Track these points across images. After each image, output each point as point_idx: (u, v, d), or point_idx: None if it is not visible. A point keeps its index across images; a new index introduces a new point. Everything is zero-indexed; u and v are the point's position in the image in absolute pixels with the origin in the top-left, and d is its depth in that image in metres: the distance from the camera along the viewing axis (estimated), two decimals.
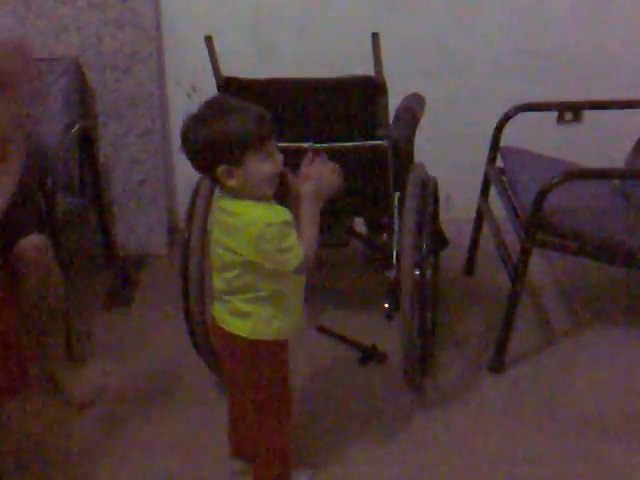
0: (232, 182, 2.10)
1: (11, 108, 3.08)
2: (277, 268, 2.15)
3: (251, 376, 2.34)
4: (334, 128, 2.84)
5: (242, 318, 2.25)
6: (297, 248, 2.12)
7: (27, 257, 2.88)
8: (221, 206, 2.18)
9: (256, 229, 2.09)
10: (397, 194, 2.95)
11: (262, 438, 2.43)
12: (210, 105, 2.14)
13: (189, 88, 4.01)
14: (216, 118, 2.08)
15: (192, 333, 2.88)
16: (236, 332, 2.26)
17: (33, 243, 2.89)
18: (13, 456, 2.76)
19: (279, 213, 2.12)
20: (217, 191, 2.23)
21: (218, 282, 2.25)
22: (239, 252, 2.14)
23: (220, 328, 2.29)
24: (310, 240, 2.19)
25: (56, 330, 3.02)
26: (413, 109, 3.09)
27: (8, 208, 2.98)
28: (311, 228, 2.22)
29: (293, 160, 2.91)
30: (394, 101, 3.09)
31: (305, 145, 2.83)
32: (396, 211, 2.95)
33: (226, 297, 2.24)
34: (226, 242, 2.17)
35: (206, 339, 2.84)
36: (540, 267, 3.76)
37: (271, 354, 2.30)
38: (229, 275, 2.20)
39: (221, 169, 2.08)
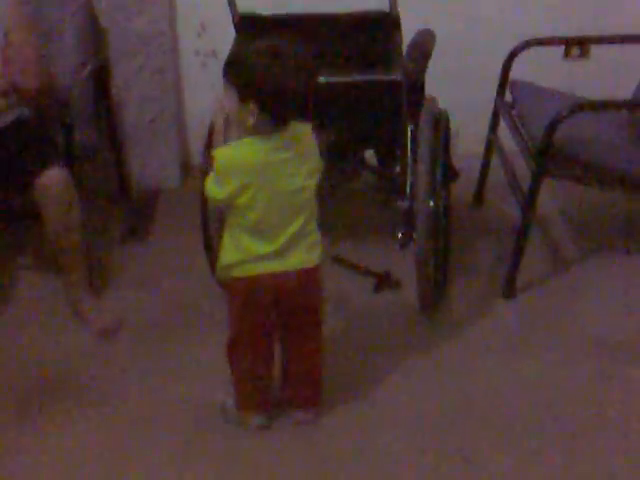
0: None
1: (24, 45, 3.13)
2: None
3: (319, 302, 2.50)
4: (348, 62, 2.89)
5: (316, 247, 2.38)
6: None
7: (49, 190, 2.94)
8: (286, 141, 2.22)
9: (315, 140, 2.30)
10: (410, 127, 3.01)
11: (318, 359, 2.58)
12: (281, 50, 2.15)
13: (199, 27, 4.03)
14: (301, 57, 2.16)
15: (211, 262, 2.96)
16: (314, 264, 2.38)
17: (55, 176, 2.96)
18: (37, 382, 2.85)
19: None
20: (263, 147, 2.21)
21: (291, 229, 2.29)
22: (319, 166, 2.31)
23: (292, 274, 2.34)
24: None
25: (77, 262, 3.10)
26: (424, 44, 3.13)
27: (27, 142, 3.05)
28: None
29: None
30: (406, 37, 3.15)
31: (320, 79, 2.90)
32: (409, 143, 3.01)
33: (304, 234, 2.33)
34: (308, 168, 2.28)
35: None
36: (547, 199, 3.83)
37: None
38: (311, 204, 2.32)
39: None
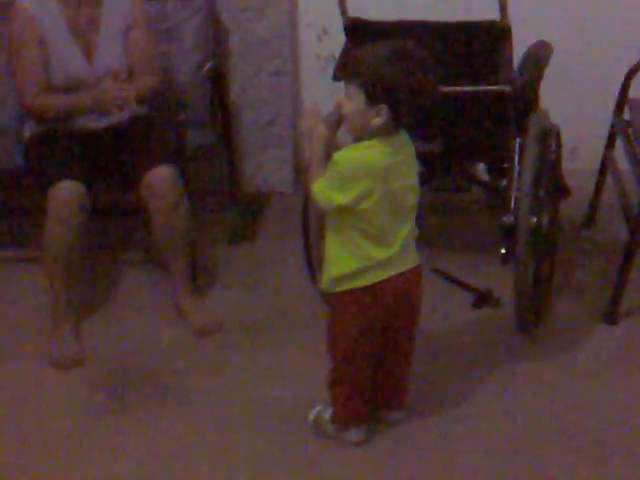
0: None
1: (145, 39, 3.20)
2: None
3: (421, 300, 2.48)
4: (458, 72, 2.86)
5: (415, 245, 2.40)
6: None
7: (157, 187, 2.99)
8: (400, 144, 2.24)
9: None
10: (518, 140, 2.95)
11: (410, 360, 2.57)
12: (414, 53, 2.17)
13: (320, 30, 4.04)
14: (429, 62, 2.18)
15: (311, 268, 2.96)
16: (419, 262, 2.41)
17: (163, 173, 3.00)
18: (128, 374, 2.91)
19: None
20: (386, 150, 2.20)
21: (404, 230, 2.30)
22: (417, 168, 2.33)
23: (408, 274, 2.35)
24: None
25: (181, 260, 3.14)
26: (538, 56, 3.07)
27: (139, 140, 3.11)
28: None
29: None
30: (521, 48, 3.10)
31: None
32: (516, 157, 2.95)
33: (412, 234, 2.36)
34: (415, 169, 2.32)
35: None
36: None
37: None
38: (416, 203, 2.33)
39: None
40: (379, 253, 2.28)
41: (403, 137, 2.26)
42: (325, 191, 2.22)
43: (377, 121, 2.14)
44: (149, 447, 2.58)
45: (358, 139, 2.22)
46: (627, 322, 3.08)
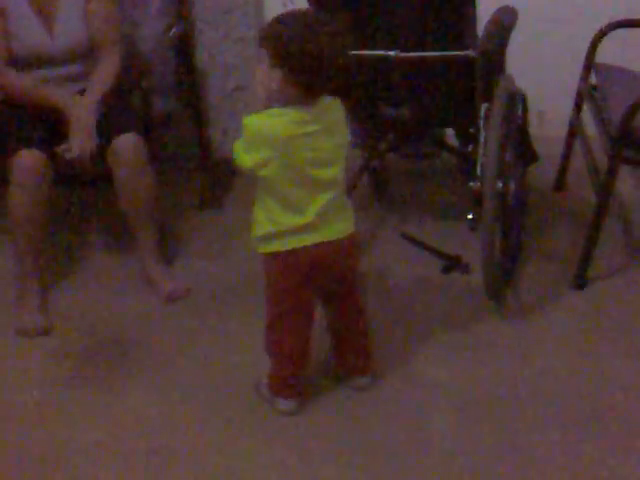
0: None
1: (105, 9, 3.16)
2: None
3: (355, 269, 2.49)
4: (422, 38, 2.84)
5: (349, 215, 2.39)
6: None
7: (121, 154, 2.98)
8: (314, 115, 2.19)
9: (343, 114, 2.30)
10: (485, 105, 2.94)
11: (364, 325, 2.59)
12: (316, 20, 2.14)
13: None
14: (335, 28, 2.13)
15: None
16: (351, 231, 2.39)
17: (128, 141, 2.99)
18: (101, 343, 2.91)
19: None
20: (291, 119, 2.17)
21: (321, 201, 2.27)
22: (346, 141, 2.30)
23: (329, 244, 2.33)
24: None
25: (148, 227, 3.13)
26: (503, 21, 3.05)
27: (105, 105, 3.08)
28: None
29: (382, 68, 2.95)
30: (486, 13, 3.08)
31: (391, 53, 2.86)
32: (482, 122, 2.94)
33: (337, 205, 2.32)
34: (335, 142, 2.25)
35: None
36: (629, 186, 3.73)
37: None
38: (340, 177, 2.30)
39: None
40: (290, 220, 2.28)
41: (324, 107, 2.22)
42: (238, 152, 2.25)
43: (274, 86, 2.14)
44: (117, 417, 2.57)
45: (267, 104, 2.20)
46: (595, 287, 3.08)
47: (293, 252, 2.32)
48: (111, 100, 3.14)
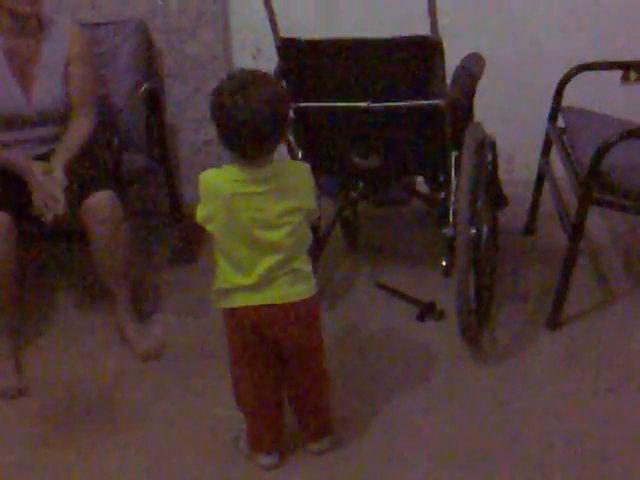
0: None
1: (85, 72, 3.17)
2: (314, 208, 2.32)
3: (315, 335, 2.44)
4: (391, 88, 2.87)
5: (306, 279, 2.33)
6: None
7: (96, 212, 2.97)
8: (262, 177, 2.20)
9: (308, 179, 2.26)
10: (455, 153, 2.97)
11: (322, 390, 2.52)
12: (245, 81, 2.14)
13: (254, 50, 4.05)
14: (269, 88, 2.14)
15: None
16: (304, 297, 2.33)
17: (102, 199, 2.98)
18: (76, 401, 2.88)
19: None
20: (235, 177, 2.20)
21: (265, 263, 2.25)
22: (304, 206, 2.25)
23: (274, 308, 2.29)
24: None
25: (122, 285, 3.11)
26: (471, 69, 3.10)
27: (76, 164, 3.08)
28: None
29: (352, 118, 2.97)
30: (454, 60, 3.12)
31: (362, 104, 2.88)
32: (453, 170, 2.97)
33: (285, 269, 2.27)
34: (285, 206, 2.22)
35: None
36: (600, 227, 3.76)
37: (318, 305, 2.42)
38: (289, 241, 2.25)
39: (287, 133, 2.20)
40: (235, 279, 2.28)
41: (278, 169, 2.22)
42: (199, 205, 2.29)
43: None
44: (97, 476, 2.54)
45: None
46: (570, 328, 3.10)
47: (238, 310, 2.32)
48: (82, 158, 3.14)
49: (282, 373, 2.48)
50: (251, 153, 2.17)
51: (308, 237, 2.33)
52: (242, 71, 2.20)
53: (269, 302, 2.28)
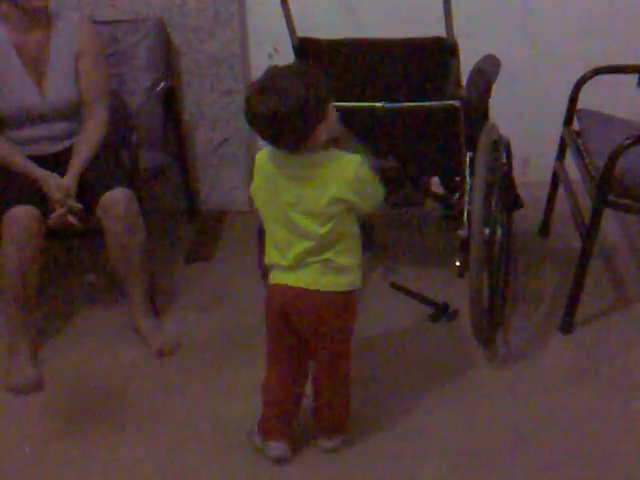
0: (322, 137, 2.21)
1: (95, 66, 3.19)
2: (368, 206, 2.33)
3: (340, 331, 2.44)
4: (407, 88, 2.88)
5: (339, 273, 2.34)
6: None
7: (112, 209, 2.99)
8: (300, 164, 2.25)
9: (351, 171, 2.23)
10: (469, 154, 2.98)
11: (339, 387, 2.53)
12: (275, 75, 2.20)
13: (271, 49, 4.07)
14: (295, 84, 2.15)
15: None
16: (333, 289, 2.34)
17: (118, 196, 3.00)
18: (90, 395, 2.91)
19: (356, 154, 2.26)
20: (276, 158, 2.29)
21: (298, 247, 2.29)
22: (345, 198, 2.24)
23: (302, 292, 2.33)
24: None
25: (138, 281, 3.13)
26: (486, 70, 3.10)
27: (93, 162, 3.10)
28: None
29: (367, 118, 2.98)
30: (470, 62, 3.12)
31: (377, 105, 2.89)
32: (467, 171, 2.98)
33: (317, 257, 2.31)
34: (323, 195, 2.24)
35: None
36: (615, 230, 3.76)
37: (355, 301, 2.43)
38: (322, 230, 2.27)
39: (320, 127, 2.18)
40: (275, 257, 2.36)
41: (319, 159, 2.25)
42: None
43: None
44: (110, 472, 2.56)
45: None
46: (583, 330, 3.10)
47: (271, 288, 2.39)
48: (99, 156, 3.16)
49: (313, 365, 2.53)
50: (275, 145, 2.25)
51: (349, 230, 2.34)
52: (276, 67, 2.25)
53: (298, 285, 2.33)
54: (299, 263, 2.31)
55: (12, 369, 2.98)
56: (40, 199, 3.01)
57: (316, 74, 2.20)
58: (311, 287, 2.33)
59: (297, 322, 2.39)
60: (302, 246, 2.29)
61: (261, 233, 2.59)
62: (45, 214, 2.97)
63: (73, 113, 3.19)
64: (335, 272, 2.33)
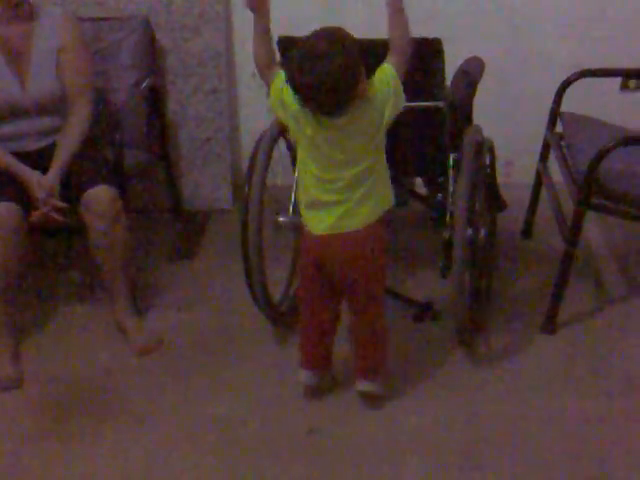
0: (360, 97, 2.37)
1: (77, 60, 3.18)
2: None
3: (376, 263, 2.58)
4: None
5: (368, 201, 2.49)
6: None
7: (95, 206, 2.98)
8: (340, 124, 2.39)
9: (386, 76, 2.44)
10: (453, 155, 2.99)
11: (374, 327, 2.67)
12: (316, 43, 2.30)
13: None
14: (336, 51, 2.28)
15: (251, 286, 2.96)
16: (367, 221, 2.50)
17: (101, 193, 2.99)
18: (74, 396, 2.89)
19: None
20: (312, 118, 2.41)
21: (344, 179, 2.44)
22: (387, 113, 2.44)
23: (338, 236, 2.48)
24: None
25: (120, 279, 3.13)
26: (471, 72, 3.11)
27: (76, 158, 3.09)
28: None
29: None
30: (454, 63, 3.13)
31: None
32: (451, 171, 2.99)
33: (350, 193, 2.45)
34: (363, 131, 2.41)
35: (265, 292, 2.95)
36: (597, 232, 3.79)
37: (383, 229, 2.58)
38: (360, 167, 2.44)
39: (358, 89, 2.34)
40: (317, 193, 2.48)
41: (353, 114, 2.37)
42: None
43: None
44: (93, 470, 2.56)
45: None
46: (565, 332, 3.12)
47: (309, 238, 2.57)
48: (82, 153, 3.15)
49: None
50: (320, 110, 2.36)
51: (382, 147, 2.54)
52: (315, 34, 2.34)
53: (339, 231, 2.49)
54: (331, 205, 2.46)
55: None
56: (22, 195, 3.00)
57: (350, 37, 2.33)
58: (343, 229, 2.47)
59: (333, 271, 2.53)
60: (349, 174, 2.43)
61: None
62: (28, 210, 2.96)
63: (57, 109, 3.17)
64: (364, 203, 2.48)
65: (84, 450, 2.63)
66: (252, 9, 2.50)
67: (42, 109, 3.16)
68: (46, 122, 3.18)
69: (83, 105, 3.20)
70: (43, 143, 3.18)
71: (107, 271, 3.11)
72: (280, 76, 2.45)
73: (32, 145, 3.17)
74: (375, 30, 2.82)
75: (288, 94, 2.41)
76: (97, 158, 3.25)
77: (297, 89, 2.31)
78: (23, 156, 3.11)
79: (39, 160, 3.11)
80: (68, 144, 3.12)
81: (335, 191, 2.46)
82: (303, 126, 2.43)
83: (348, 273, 2.54)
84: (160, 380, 2.95)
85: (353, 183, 2.45)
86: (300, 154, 2.51)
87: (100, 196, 2.99)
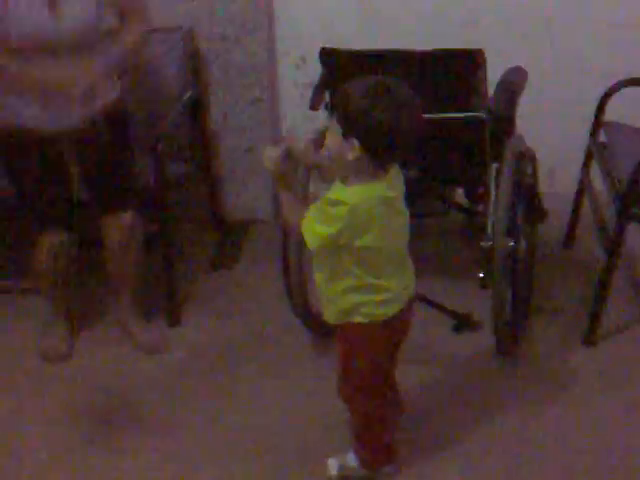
0: None
1: None
2: None
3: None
4: (432, 100, 2.87)
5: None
6: None
7: (115, 234, 3.06)
8: (392, 177, 2.19)
9: None
10: (494, 165, 2.98)
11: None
12: (397, 91, 2.07)
13: (298, 59, 4.07)
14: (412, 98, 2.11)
15: (290, 296, 2.97)
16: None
17: (124, 222, 3.06)
18: (103, 408, 2.93)
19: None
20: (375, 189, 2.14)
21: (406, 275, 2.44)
22: None
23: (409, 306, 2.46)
24: None
25: (129, 288, 3.23)
26: (513, 82, 3.10)
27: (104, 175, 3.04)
28: None
29: None
30: (496, 73, 3.12)
31: None
32: (492, 182, 2.98)
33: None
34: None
35: (304, 302, 2.94)
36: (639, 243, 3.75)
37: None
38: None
39: None
40: (393, 285, 2.35)
41: (395, 174, 2.21)
42: (315, 226, 2.17)
43: (351, 155, 2.06)
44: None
45: (340, 175, 2.17)
46: (606, 343, 3.10)
47: (386, 321, 2.38)
48: (111, 168, 3.05)
49: None
50: (393, 157, 2.15)
51: None
52: (368, 79, 2.09)
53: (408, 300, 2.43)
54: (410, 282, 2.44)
55: (46, 340, 3.15)
56: (69, 217, 3.04)
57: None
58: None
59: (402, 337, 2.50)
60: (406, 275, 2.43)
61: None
62: (71, 228, 3.01)
63: (91, 46, 2.74)
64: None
65: (120, 460, 2.66)
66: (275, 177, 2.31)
67: (77, 44, 2.71)
68: (76, 64, 2.72)
69: (135, 22, 2.88)
70: (64, 124, 2.81)
71: (116, 281, 3.21)
72: (342, 219, 2.12)
73: (50, 124, 2.80)
74: (415, 41, 2.84)
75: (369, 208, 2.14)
76: (125, 174, 3.12)
77: (391, 136, 2.04)
78: (46, 143, 2.85)
79: (64, 149, 2.91)
80: (117, 47, 2.82)
81: None
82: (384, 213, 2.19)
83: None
84: (198, 388, 2.98)
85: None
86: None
87: (122, 225, 3.06)
